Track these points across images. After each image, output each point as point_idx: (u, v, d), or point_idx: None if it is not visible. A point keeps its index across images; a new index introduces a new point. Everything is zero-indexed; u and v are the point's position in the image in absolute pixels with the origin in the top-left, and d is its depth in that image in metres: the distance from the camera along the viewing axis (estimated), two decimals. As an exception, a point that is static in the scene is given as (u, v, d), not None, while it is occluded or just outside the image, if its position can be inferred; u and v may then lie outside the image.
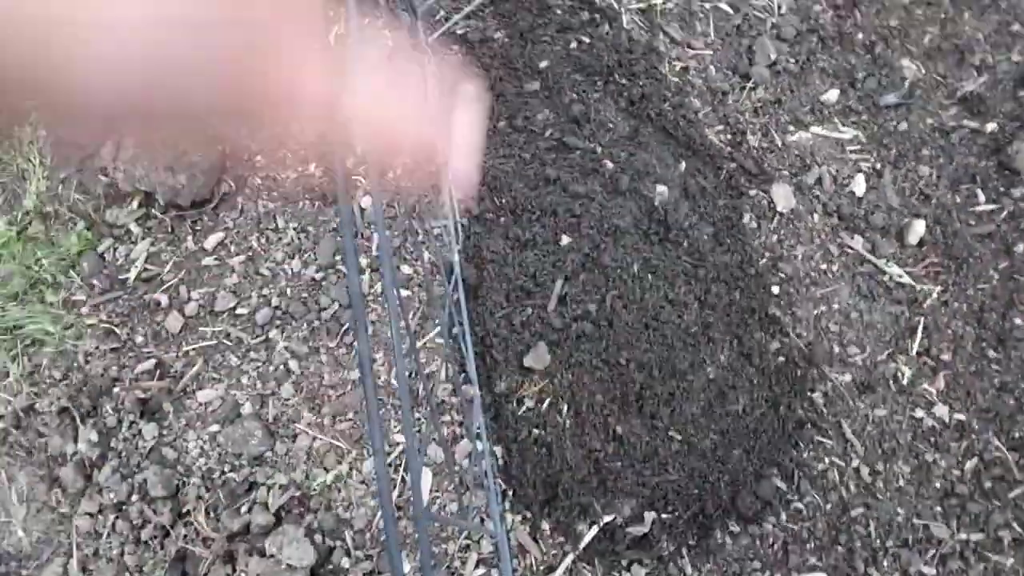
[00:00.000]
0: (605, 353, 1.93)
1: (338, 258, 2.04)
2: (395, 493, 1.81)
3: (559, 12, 2.42)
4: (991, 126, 2.30)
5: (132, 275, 2.04)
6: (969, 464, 1.94)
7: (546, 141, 2.21)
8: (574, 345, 1.93)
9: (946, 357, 2.04)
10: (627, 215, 2.08)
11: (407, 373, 1.94)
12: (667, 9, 2.43)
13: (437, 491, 1.84)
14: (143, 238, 2.10)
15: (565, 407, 1.90)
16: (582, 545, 1.80)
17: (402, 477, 1.84)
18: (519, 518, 1.83)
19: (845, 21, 2.44)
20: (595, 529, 1.81)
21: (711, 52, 2.39)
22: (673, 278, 2.04)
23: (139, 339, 1.96)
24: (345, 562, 1.75)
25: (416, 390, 1.92)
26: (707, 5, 2.43)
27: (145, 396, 1.87)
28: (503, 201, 2.11)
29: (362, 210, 2.12)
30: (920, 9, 2.47)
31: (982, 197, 2.23)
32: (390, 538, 0.75)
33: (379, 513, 1.80)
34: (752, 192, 2.20)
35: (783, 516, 1.86)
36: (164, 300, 2.00)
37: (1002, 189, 2.24)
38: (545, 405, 1.90)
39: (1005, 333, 2.07)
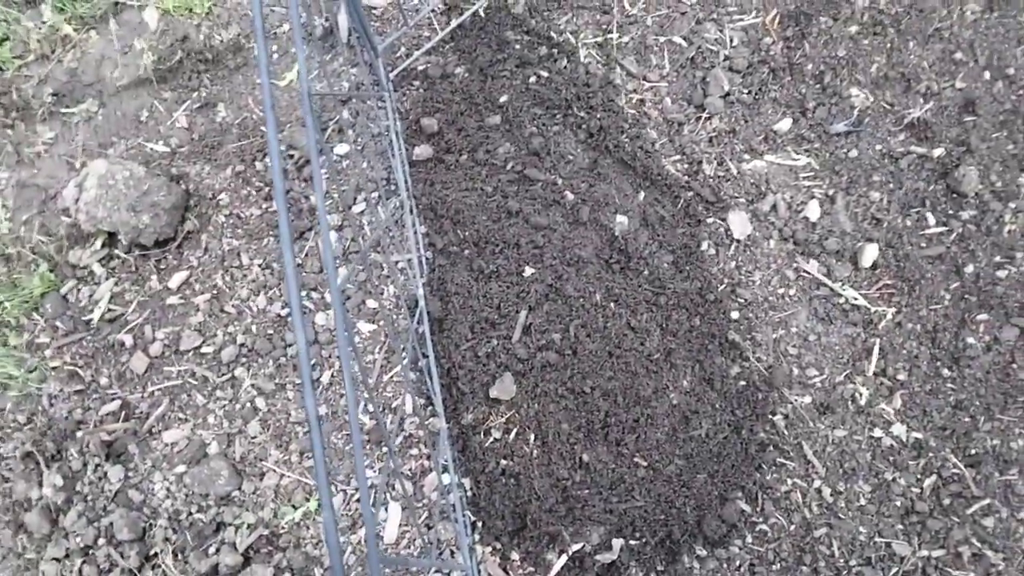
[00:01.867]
0: (570, 382, 1.95)
1: (303, 293, 2.06)
2: (363, 530, 1.81)
3: (518, 47, 2.47)
4: (938, 151, 2.38)
5: (96, 316, 2.04)
6: (928, 481, 1.99)
7: (507, 174, 2.25)
8: (539, 375, 1.95)
9: (902, 377, 2.09)
10: (588, 245, 2.12)
11: (373, 408, 1.95)
12: (623, 43, 2.49)
13: (407, 525, 1.84)
14: (107, 278, 2.09)
15: (532, 437, 1.92)
16: (552, 574, 1.81)
17: (372, 515, 1.84)
18: (489, 549, 1.84)
19: (795, 52, 2.51)
20: (564, 558, 1.83)
21: (666, 84, 2.46)
22: (635, 306, 2.07)
23: (103, 380, 1.95)
24: (315, 600, 1.75)
25: (383, 425, 1.93)
26: (661, 39, 2.50)
27: (110, 438, 1.86)
28: (466, 234, 2.14)
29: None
30: (867, 39, 2.56)
31: (932, 220, 2.30)
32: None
33: (348, 549, 1.80)
34: (710, 220, 2.25)
35: (748, 538, 1.89)
36: (128, 340, 1.99)
37: (951, 212, 2.31)
38: (512, 435, 1.92)
39: (958, 352, 2.13)
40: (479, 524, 1.86)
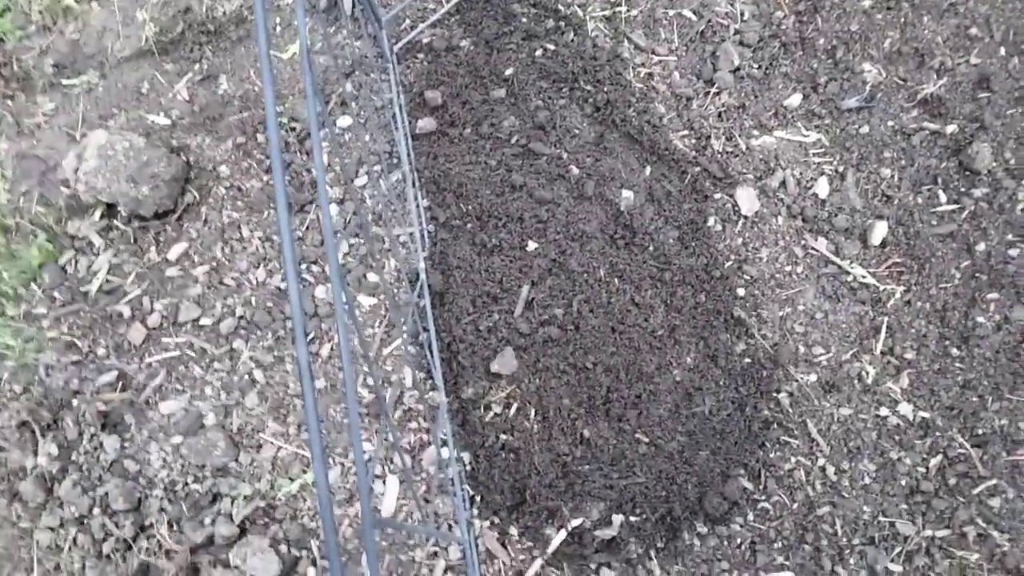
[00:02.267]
0: (572, 357, 1.93)
1: (303, 266, 2.03)
2: (360, 503, 1.80)
3: (524, 20, 2.43)
4: (951, 127, 2.33)
5: (94, 287, 2.02)
6: (934, 461, 1.96)
7: (512, 148, 2.21)
8: (541, 350, 1.93)
9: (910, 356, 2.06)
10: (593, 220, 2.09)
11: (372, 381, 1.93)
12: (631, 16, 2.44)
13: (404, 498, 1.82)
14: (105, 249, 2.08)
15: (532, 412, 1.90)
16: (550, 549, 1.80)
17: (369, 487, 1.82)
18: (487, 523, 1.83)
19: (807, 27, 2.47)
20: (563, 533, 1.81)
21: (675, 58, 2.41)
22: (639, 282, 2.04)
23: (101, 351, 1.94)
24: (311, 572, 1.73)
25: (381, 397, 1.91)
26: (671, 12, 2.45)
27: (106, 408, 1.85)
28: (469, 208, 2.11)
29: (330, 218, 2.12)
30: (880, 14, 2.50)
31: (943, 197, 2.26)
32: (331, 552, 0.75)
33: (346, 522, 1.79)
34: (717, 196, 2.22)
35: (750, 516, 1.87)
36: (126, 312, 1.98)
37: (963, 189, 2.26)
38: (512, 410, 1.90)
39: (968, 331, 2.09)
40: (478, 498, 1.84)
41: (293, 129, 2.25)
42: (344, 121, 2.26)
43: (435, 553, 1.79)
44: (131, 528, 1.73)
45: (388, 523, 0.92)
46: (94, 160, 2.10)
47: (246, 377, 1.90)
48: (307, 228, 2.12)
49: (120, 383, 1.89)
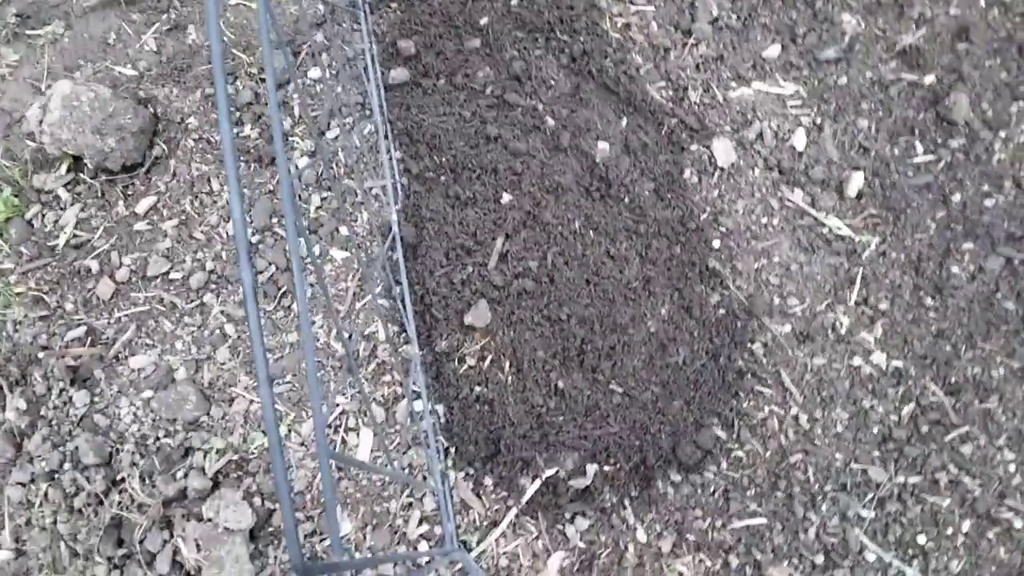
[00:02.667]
0: (546, 309, 1.92)
1: (274, 220, 2.00)
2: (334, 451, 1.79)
3: (499, -31, 2.38)
4: (929, 78, 2.31)
5: (61, 241, 1.98)
6: (906, 409, 1.97)
7: (487, 99, 2.18)
8: (515, 302, 1.92)
9: (884, 306, 2.06)
10: (568, 172, 2.07)
11: (346, 335, 1.92)
12: (608, -35, 2.40)
13: (378, 451, 1.82)
14: (72, 204, 2.04)
15: (507, 364, 1.89)
16: (525, 499, 1.80)
17: (342, 439, 1.82)
18: (462, 475, 1.83)
19: (786, -24, 2.43)
20: (538, 483, 1.81)
21: (653, 8, 2.38)
22: (614, 234, 2.03)
23: (69, 306, 1.91)
24: (285, 524, 1.73)
25: (357, 352, 1.90)
26: (648, -40, 2.41)
27: (75, 363, 1.82)
28: (443, 159, 2.08)
29: (299, 170, 2.09)
30: (860, -37, 2.47)
31: (920, 148, 2.25)
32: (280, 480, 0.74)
33: (318, 476, 1.78)
34: (693, 147, 2.20)
35: (723, 464, 1.88)
36: (95, 266, 1.95)
37: (939, 140, 2.26)
38: (487, 362, 1.89)
39: (942, 281, 2.09)
40: (452, 450, 1.84)
41: (263, 80, 2.20)
42: (315, 72, 2.21)
43: (410, 504, 1.79)
44: (102, 483, 1.71)
45: (343, 458, 0.92)
46: (58, 111, 2.05)
47: (217, 331, 1.88)
48: (277, 181, 2.08)
49: (89, 338, 1.87)
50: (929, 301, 2.08)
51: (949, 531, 1.86)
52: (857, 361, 2.00)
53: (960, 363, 2.01)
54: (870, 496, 1.87)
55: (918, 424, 1.95)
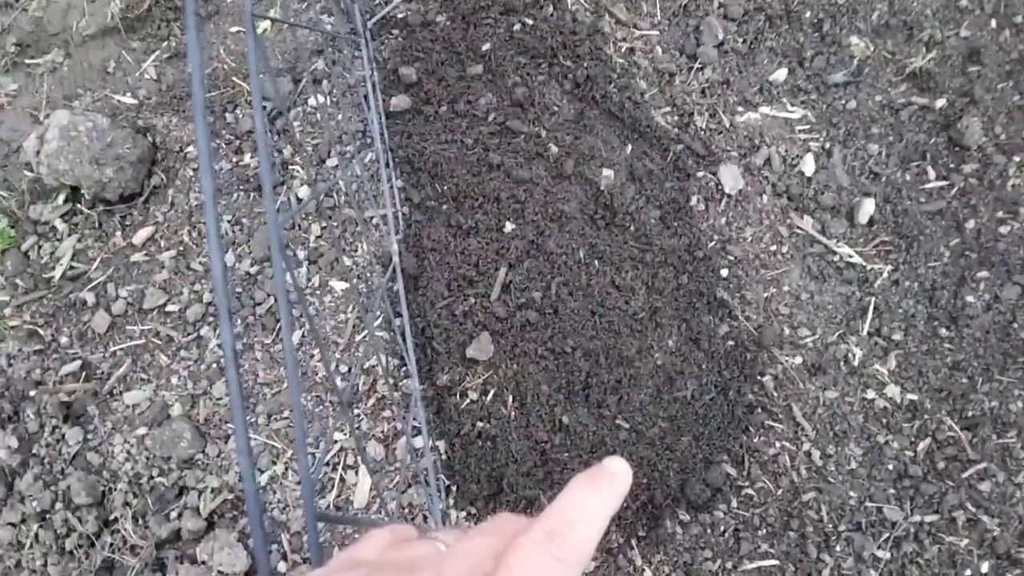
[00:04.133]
0: (550, 342, 1.87)
1: (273, 251, 1.97)
2: (333, 494, 1.75)
3: (502, -6, 2.36)
4: (940, 102, 2.27)
5: (57, 273, 1.95)
6: (922, 445, 1.91)
7: (489, 126, 2.15)
8: (518, 334, 1.87)
9: (897, 337, 2.01)
10: (572, 200, 2.03)
11: (337, 378, 1.87)
12: (612, -11, 2.37)
13: (376, 489, 1.77)
14: (69, 235, 2.01)
15: (510, 398, 1.84)
16: (529, 540, 1.74)
17: (341, 476, 1.77)
18: (463, 514, 1.78)
19: (793, -1, 2.40)
20: (542, 523, 1.75)
21: (658, 33, 2.34)
22: (620, 263, 1.99)
23: (64, 340, 1.88)
24: (281, 566, 1.68)
25: (355, 387, 1.85)
26: (653, -16, 2.38)
27: (69, 399, 1.78)
28: (445, 188, 2.05)
29: (299, 200, 2.05)
30: (868, -14, 2.44)
31: (932, 174, 2.20)
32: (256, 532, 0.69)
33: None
34: (700, 174, 2.15)
35: (734, 503, 1.82)
36: (91, 299, 1.91)
37: (952, 165, 2.21)
38: (489, 397, 1.84)
39: (957, 311, 2.04)
40: (453, 488, 1.79)
41: (264, 108, 2.18)
42: (315, 100, 2.19)
43: (410, 544, 1.74)
44: (94, 523, 1.67)
45: (330, 517, 0.87)
46: (56, 141, 2.03)
47: (213, 366, 1.84)
48: (277, 210, 2.05)
49: (83, 373, 1.83)
50: (944, 332, 2.02)
51: (967, 573, 1.80)
52: (871, 394, 1.94)
53: (977, 396, 1.95)
54: (885, 536, 1.81)
55: (934, 460, 1.89)
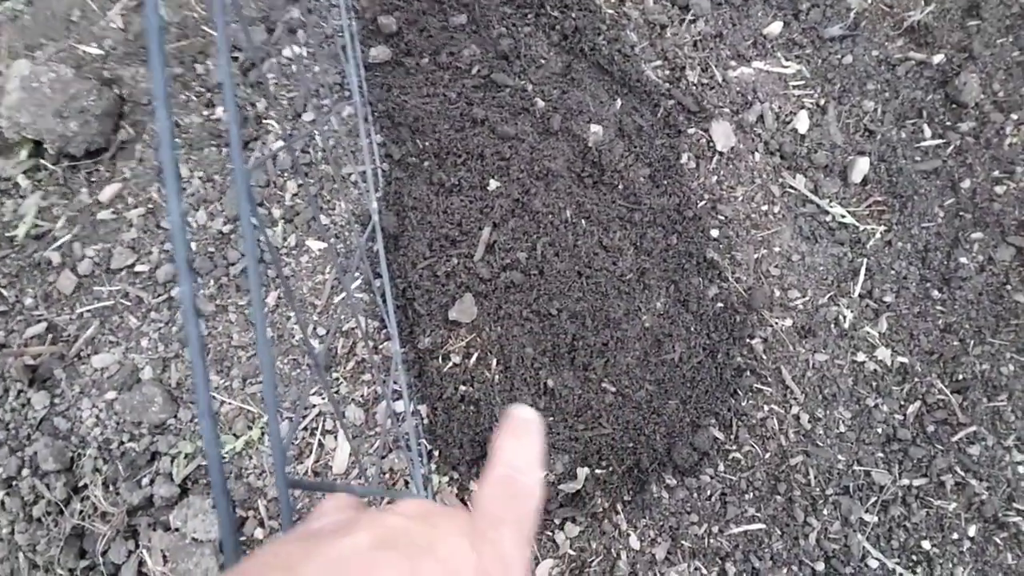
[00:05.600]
0: (535, 303, 1.82)
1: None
2: (311, 459, 1.70)
3: (486, -60, 2.25)
4: (938, 57, 2.20)
5: (21, 232, 1.87)
6: (912, 408, 1.88)
7: (473, 79, 2.06)
8: (503, 296, 1.81)
9: (889, 299, 1.97)
10: (559, 157, 1.96)
11: (318, 331, 1.81)
12: (601, -64, 2.27)
13: (356, 454, 1.72)
14: (32, 191, 1.92)
15: (494, 361, 1.79)
16: (512, 505, 1.70)
17: (319, 442, 1.72)
18: (446, 479, 1.73)
19: (788, -52, 2.30)
20: (526, 488, 1.71)
21: (648, -18, 2.25)
22: (607, 223, 1.92)
23: (28, 301, 1.80)
24: (259, 532, 1.64)
25: (334, 349, 1.79)
26: (643, -69, 2.28)
27: (35, 363, 1.71)
28: (426, 144, 1.97)
29: (274, 157, 1.97)
30: (866, -65, 2.35)
31: (928, 132, 2.14)
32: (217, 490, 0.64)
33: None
34: (691, 131, 2.09)
35: (721, 467, 1.79)
36: (56, 258, 1.83)
37: (948, 123, 2.15)
38: (472, 360, 1.79)
39: (950, 272, 2.00)
40: (436, 453, 1.74)
41: (235, 59, 2.08)
42: (291, 51, 2.09)
43: (391, 510, 1.70)
44: (63, 490, 1.61)
45: (303, 483, 0.82)
46: (17, 94, 1.93)
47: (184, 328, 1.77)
48: (251, 167, 1.96)
49: (49, 335, 1.76)
50: (936, 293, 1.98)
51: (955, 536, 1.78)
52: (861, 357, 1.90)
53: (968, 359, 1.92)
54: (873, 500, 1.79)
55: (924, 424, 1.86)
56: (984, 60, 2.19)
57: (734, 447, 1.80)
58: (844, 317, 1.94)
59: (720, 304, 1.92)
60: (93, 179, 1.94)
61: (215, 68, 2.06)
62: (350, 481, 1.70)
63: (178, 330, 1.77)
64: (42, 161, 1.96)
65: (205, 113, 2.01)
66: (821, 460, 1.81)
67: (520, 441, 0.55)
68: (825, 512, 1.77)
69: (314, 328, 1.80)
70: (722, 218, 2.00)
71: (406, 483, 1.72)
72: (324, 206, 1.93)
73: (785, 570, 1.72)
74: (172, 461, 1.65)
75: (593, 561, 1.70)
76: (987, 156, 2.10)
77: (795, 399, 1.85)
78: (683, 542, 1.72)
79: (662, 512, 1.74)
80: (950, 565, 1.77)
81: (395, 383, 1.74)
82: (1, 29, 2.20)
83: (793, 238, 2.01)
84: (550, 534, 1.72)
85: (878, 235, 2.02)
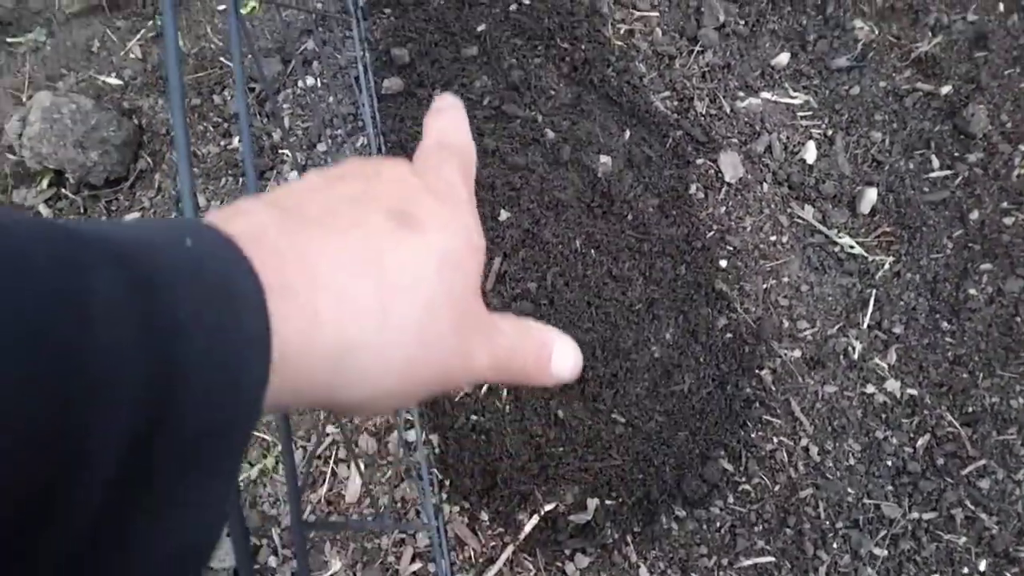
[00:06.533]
0: (545, 334, 1.83)
1: (262, 239, 1.92)
2: (324, 488, 1.72)
3: (498, -27, 2.29)
4: (946, 88, 2.22)
5: (40, 261, 1.90)
6: (921, 441, 1.89)
7: (484, 110, 2.09)
8: (513, 326, 1.83)
9: (898, 330, 1.98)
10: (569, 187, 1.98)
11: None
12: (611, -31, 2.30)
13: (369, 483, 1.74)
14: (52, 221, 1.96)
15: (504, 392, 1.81)
16: (523, 535, 1.72)
17: (332, 470, 1.74)
18: (456, 509, 1.75)
19: (797, -20, 2.33)
20: (536, 518, 1.73)
21: (657, 14, 2.28)
22: (617, 253, 1.95)
23: (47, 330, 1.83)
24: (272, 561, 1.66)
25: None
26: (653, -36, 2.31)
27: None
28: (438, 175, 1.99)
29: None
30: (874, -33, 2.37)
31: (936, 163, 2.15)
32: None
33: (308, 508, 1.71)
34: (699, 161, 2.11)
35: (730, 499, 1.80)
36: (75, 287, 1.86)
37: (956, 154, 2.16)
38: (483, 390, 1.81)
39: (959, 304, 2.01)
40: (447, 483, 1.76)
41: (252, 90, 2.12)
42: (305, 82, 2.13)
43: (402, 540, 1.71)
44: (79, 518, 1.64)
45: (321, 524, 0.84)
46: (38, 124, 1.97)
47: (201, 357, 1.80)
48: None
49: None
50: (945, 325, 1.99)
51: (965, 571, 1.78)
52: (870, 389, 1.91)
53: (978, 391, 1.92)
54: (883, 533, 1.79)
55: (933, 457, 1.86)
56: (992, 91, 2.20)
57: (743, 479, 1.81)
58: (853, 348, 1.95)
59: (729, 335, 1.93)
60: (113, 208, 1.97)
61: (232, 99, 2.10)
62: (362, 509, 1.72)
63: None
64: (63, 191, 2.00)
65: (222, 143, 2.05)
66: (831, 493, 1.82)
67: (444, 114, 0.56)
68: (835, 545, 1.78)
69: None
70: (731, 248, 2.02)
71: (417, 512, 1.73)
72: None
73: (794, 603, 1.72)
74: (187, 490, 1.68)
75: (602, 592, 1.71)
76: (995, 187, 2.11)
77: (804, 431, 1.86)
78: (693, 574, 1.73)
79: (672, 544, 1.75)
80: (960, 599, 1.77)
81: (407, 412, 1.76)
82: (23, 61, 2.25)
83: (802, 268, 2.02)
84: (560, 565, 1.73)
85: (887, 266, 2.03)
